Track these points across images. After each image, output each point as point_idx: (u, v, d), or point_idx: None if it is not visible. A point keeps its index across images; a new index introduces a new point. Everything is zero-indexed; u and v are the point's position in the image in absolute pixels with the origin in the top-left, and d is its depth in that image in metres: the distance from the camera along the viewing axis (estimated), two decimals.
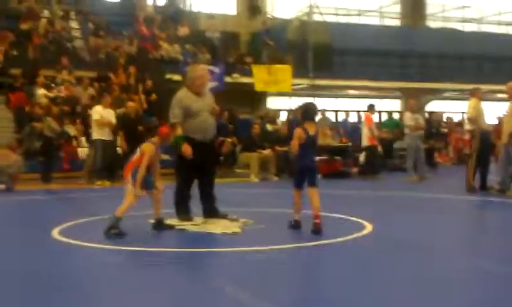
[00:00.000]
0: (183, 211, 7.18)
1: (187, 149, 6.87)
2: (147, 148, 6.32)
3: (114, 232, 6.05)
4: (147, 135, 13.27)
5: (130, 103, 14.01)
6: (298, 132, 6.52)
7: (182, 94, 7.13)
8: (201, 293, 4.15)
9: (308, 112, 6.67)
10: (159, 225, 6.60)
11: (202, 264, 5.15)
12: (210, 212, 7.24)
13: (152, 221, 6.76)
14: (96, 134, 13.00)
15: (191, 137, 6.97)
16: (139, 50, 19.65)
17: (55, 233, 6.41)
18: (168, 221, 6.84)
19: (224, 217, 7.22)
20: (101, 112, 12.91)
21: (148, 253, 5.55)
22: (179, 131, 6.92)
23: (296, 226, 6.51)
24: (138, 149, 6.39)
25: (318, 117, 18.40)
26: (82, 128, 14.77)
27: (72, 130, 14.63)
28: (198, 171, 7.14)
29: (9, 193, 11.24)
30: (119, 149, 13.55)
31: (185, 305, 3.91)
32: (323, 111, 20.64)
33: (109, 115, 13.04)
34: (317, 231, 6.22)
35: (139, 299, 4.02)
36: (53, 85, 16.40)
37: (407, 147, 13.74)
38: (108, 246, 5.71)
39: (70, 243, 5.91)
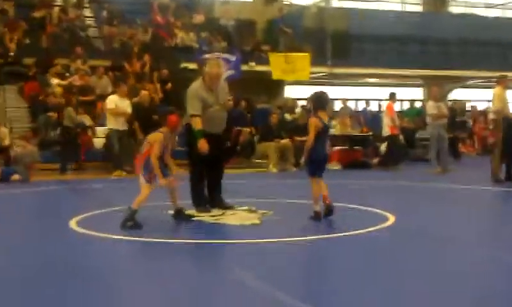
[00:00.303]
0: (200, 203, 7.25)
1: (203, 145, 6.93)
2: (154, 138, 6.34)
3: (130, 224, 6.10)
4: (159, 124, 13.39)
5: (144, 92, 14.07)
6: (314, 121, 6.57)
7: (198, 86, 7.19)
8: (218, 285, 4.18)
9: (320, 100, 6.73)
10: (179, 214, 6.64)
11: (219, 255, 5.18)
12: (216, 204, 7.32)
13: (171, 212, 6.81)
14: (111, 124, 13.09)
15: (207, 131, 7.02)
16: (154, 39, 19.68)
17: (72, 223, 6.48)
18: (187, 212, 6.88)
19: (229, 208, 7.27)
20: (116, 102, 12.99)
21: (165, 244, 5.60)
22: (199, 124, 6.97)
23: (316, 217, 6.53)
24: (146, 140, 6.41)
25: (330, 106, 18.33)
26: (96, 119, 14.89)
27: (87, 119, 14.73)
28: (208, 164, 7.21)
29: (25, 184, 11.37)
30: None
31: (202, 296, 3.95)
32: (344, 100, 20.61)
33: (125, 105, 13.11)
34: (330, 210, 6.43)
35: (155, 289, 4.06)
36: (67, 74, 16.52)
37: (430, 137, 13.62)
38: (125, 237, 5.77)
39: (87, 234, 5.97)
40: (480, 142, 19.93)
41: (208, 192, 7.40)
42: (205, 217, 6.86)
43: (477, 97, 26.46)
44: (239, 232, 6.14)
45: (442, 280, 4.18)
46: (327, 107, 6.76)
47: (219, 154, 7.39)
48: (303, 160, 6.70)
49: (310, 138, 6.58)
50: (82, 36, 18.82)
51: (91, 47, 18.64)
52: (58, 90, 15.23)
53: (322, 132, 6.57)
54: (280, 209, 7.34)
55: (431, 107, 13.50)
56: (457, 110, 19.63)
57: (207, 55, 19.25)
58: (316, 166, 6.63)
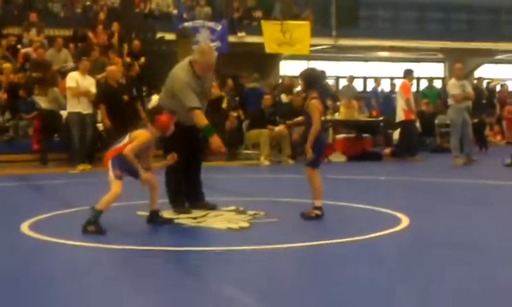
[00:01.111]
0: (178, 202, 7.30)
1: (217, 143, 7.09)
2: (138, 135, 6.33)
3: (92, 229, 6.06)
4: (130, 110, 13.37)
5: (111, 68, 13.99)
6: (316, 103, 6.69)
7: (186, 74, 7.19)
8: (199, 301, 4.18)
9: (317, 78, 6.98)
10: (154, 217, 6.64)
11: (201, 265, 5.17)
12: (196, 199, 7.43)
13: (143, 213, 6.80)
14: (71, 106, 13.00)
15: (180, 121, 6.98)
16: (124, 3, 19.62)
17: (24, 227, 6.45)
18: (164, 214, 6.88)
19: (212, 208, 7.32)
20: (77, 79, 12.91)
21: (137, 252, 5.58)
22: (204, 119, 7.06)
23: (318, 214, 6.65)
24: (128, 135, 6.39)
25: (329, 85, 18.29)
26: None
27: (43, 101, 14.65)
28: (187, 157, 7.31)
29: None
30: (100, 126, 13.59)
31: None
32: (350, 78, 20.62)
33: (88, 83, 13.04)
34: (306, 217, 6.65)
35: (125, 306, 4.06)
36: (19, 46, 16.41)
37: (451, 122, 13.66)
38: (89, 243, 5.75)
39: (41, 239, 5.94)
40: (510, 128, 20.03)
41: (186, 191, 7.44)
42: (185, 220, 6.86)
43: (508, 75, 26.56)
44: (225, 237, 6.14)
45: (472, 302, 4.19)
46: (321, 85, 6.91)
47: (199, 145, 7.50)
48: (308, 150, 6.68)
49: (316, 123, 6.67)
50: (36, 0, 18.70)
51: (48, 13, 18.54)
52: (7, 66, 15.12)
53: (322, 115, 6.78)
54: (274, 210, 7.35)
55: (454, 87, 13.52)
56: (484, 90, 19.70)
57: (186, 24, 19.40)
58: (320, 156, 6.80)
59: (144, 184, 6.48)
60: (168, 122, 6.46)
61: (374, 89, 21.40)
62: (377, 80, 21.71)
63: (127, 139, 6.34)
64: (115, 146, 6.40)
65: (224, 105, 14.95)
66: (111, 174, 6.24)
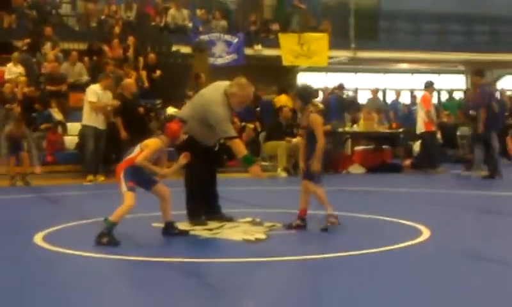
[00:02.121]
0: (196, 214, 7.32)
1: (257, 171, 7.27)
2: (150, 144, 6.36)
3: (106, 240, 6.07)
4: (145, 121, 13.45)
5: (128, 81, 14.08)
6: (318, 118, 6.81)
7: (224, 108, 7.14)
8: None
9: (311, 93, 7.10)
10: (170, 229, 6.63)
11: (217, 277, 5.15)
12: (212, 212, 7.43)
13: (158, 225, 6.79)
14: (87, 120, 13.08)
15: (200, 141, 7.17)
16: (139, 17, 19.75)
17: (38, 239, 6.47)
18: (179, 226, 6.87)
19: (229, 220, 7.31)
20: (98, 94, 12.98)
21: (151, 264, 5.57)
22: (242, 148, 7.18)
23: (334, 222, 6.71)
24: (138, 146, 6.41)
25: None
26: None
27: (57, 114, 14.77)
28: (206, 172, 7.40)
29: None
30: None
31: None
32: (375, 91, 20.55)
33: (107, 99, 13.12)
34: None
35: None
36: (34, 60, 16.57)
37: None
38: (103, 255, 5.75)
39: (55, 251, 5.96)
40: None
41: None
42: (201, 232, 6.84)
43: None
44: (241, 249, 6.12)
45: None
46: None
47: (216, 160, 7.59)
48: (316, 165, 6.72)
49: (321, 139, 6.75)
50: (52, 14, 18.89)
51: (64, 27, 18.72)
52: (21, 80, 15.27)
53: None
54: (291, 221, 7.31)
55: None
56: (507, 102, 19.50)
57: (201, 37, 19.46)
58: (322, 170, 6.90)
59: (161, 178, 6.46)
60: (177, 129, 6.46)
61: (394, 102, 21.33)
62: (397, 92, 21.63)
63: (137, 149, 6.35)
64: (126, 157, 6.41)
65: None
66: (124, 186, 6.24)
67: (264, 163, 15.01)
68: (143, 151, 6.30)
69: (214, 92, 7.28)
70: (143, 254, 5.83)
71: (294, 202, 9.58)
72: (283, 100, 16.21)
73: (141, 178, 6.33)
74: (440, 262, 5.59)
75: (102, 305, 4.38)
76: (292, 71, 22.64)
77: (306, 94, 7.05)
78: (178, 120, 6.59)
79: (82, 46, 17.85)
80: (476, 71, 13.97)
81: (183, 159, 6.59)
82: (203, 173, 7.35)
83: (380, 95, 23.98)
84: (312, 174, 6.79)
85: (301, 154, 7.09)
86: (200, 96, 7.43)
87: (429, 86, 14.60)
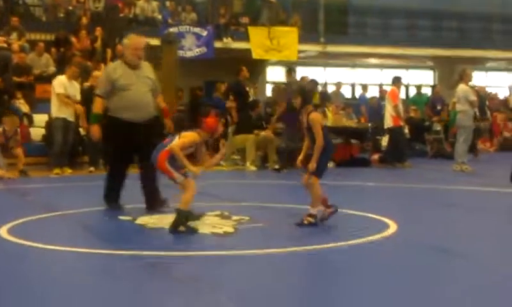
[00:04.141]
0: (113, 203, 7.70)
1: (95, 131, 7.58)
2: (190, 136, 6.45)
3: (182, 229, 6.23)
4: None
5: (96, 73, 13.98)
6: (318, 116, 6.75)
7: (112, 66, 7.86)
8: (177, 305, 4.16)
9: (309, 93, 7.05)
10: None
11: (184, 271, 5.15)
12: (152, 204, 7.72)
13: (127, 218, 6.78)
14: (56, 111, 12.94)
15: (116, 116, 7.56)
16: (107, 8, 19.59)
17: (3, 232, 6.41)
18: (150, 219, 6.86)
19: (162, 204, 7.63)
20: (65, 85, 12.84)
21: (116, 257, 5.55)
22: (97, 107, 7.61)
23: (313, 221, 6.69)
24: (177, 136, 6.50)
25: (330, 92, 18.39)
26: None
27: (23, 106, 14.61)
28: (128, 158, 7.77)
29: None
30: (82, 131, 13.58)
31: None
32: (338, 85, 20.69)
33: (74, 89, 12.99)
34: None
35: None
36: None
37: (464, 129, 13.35)
38: (68, 248, 5.71)
39: (21, 244, 5.91)
40: (499, 136, 20.16)
41: (144, 194, 7.79)
42: (167, 224, 6.83)
43: (498, 82, 26.75)
44: (209, 242, 6.13)
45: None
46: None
47: (145, 145, 7.37)
48: (312, 164, 6.67)
49: (320, 138, 6.65)
50: (19, 4, 18.66)
51: (30, 17, 18.50)
52: None
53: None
54: (259, 215, 7.34)
55: (470, 92, 13.40)
56: (483, 97, 19.69)
57: (171, 29, 19.40)
58: (326, 165, 6.88)
59: (195, 177, 6.47)
60: (215, 123, 6.58)
61: (362, 96, 21.48)
62: (365, 87, 21.77)
63: (176, 138, 6.45)
64: (162, 148, 6.42)
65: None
66: (178, 176, 6.35)
67: (233, 157, 15.05)
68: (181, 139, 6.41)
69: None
70: (109, 247, 5.81)
71: (262, 195, 9.65)
72: None
73: (177, 166, 6.40)
74: (406, 255, 5.66)
75: (67, 297, 4.35)
76: (262, 64, 22.65)
77: (308, 93, 7.00)
78: (214, 113, 6.71)
79: (49, 37, 17.67)
80: None
81: (220, 157, 6.70)
82: (116, 161, 7.76)
83: (349, 90, 24.17)
84: (310, 170, 6.68)
85: (303, 152, 6.96)
86: None
87: (396, 80, 14.72)
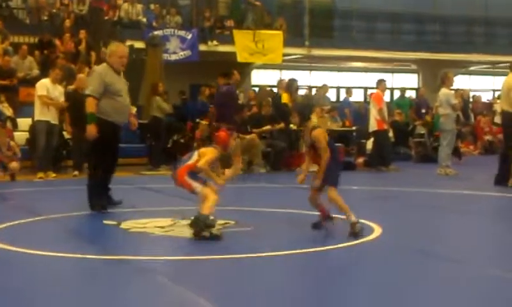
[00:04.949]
0: (96, 204, 7.83)
1: (93, 130, 7.71)
2: (210, 152, 6.54)
3: (206, 234, 6.22)
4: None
5: (80, 76, 13.92)
6: (322, 133, 6.59)
7: (103, 70, 8.01)
8: None
9: (307, 109, 6.90)
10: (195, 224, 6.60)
11: (168, 275, 5.14)
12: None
13: (112, 222, 6.75)
14: (39, 115, 12.86)
15: (106, 119, 7.85)
16: (92, 11, 19.51)
17: None
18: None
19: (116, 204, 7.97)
20: (48, 88, 12.77)
21: (100, 261, 5.54)
22: (92, 107, 7.76)
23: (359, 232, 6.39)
24: (196, 152, 6.61)
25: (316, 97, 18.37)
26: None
27: (6, 109, 14.51)
28: (109, 157, 8.06)
29: None
30: (66, 134, 13.52)
31: None
32: (324, 88, 20.69)
33: (58, 92, 12.92)
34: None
35: None
36: None
37: (447, 132, 13.38)
38: (52, 253, 5.68)
39: (4, 249, 5.86)
40: (482, 139, 20.27)
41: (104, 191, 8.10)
42: (153, 229, 6.82)
43: (481, 86, 26.92)
44: (193, 247, 6.11)
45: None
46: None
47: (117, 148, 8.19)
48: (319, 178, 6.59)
49: (325, 154, 6.52)
50: (2, 7, 18.55)
51: (14, 20, 18.39)
52: None
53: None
54: (244, 219, 7.34)
55: (452, 96, 13.53)
56: (466, 101, 19.83)
57: (155, 32, 19.36)
58: (339, 175, 6.70)
59: (221, 189, 6.56)
60: (226, 137, 6.65)
61: (346, 100, 21.52)
62: (349, 90, 21.82)
63: (195, 156, 6.55)
64: (185, 163, 6.53)
65: None
66: (197, 186, 6.42)
67: None
68: (201, 157, 6.48)
69: (97, 66, 8.46)
70: (94, 252, 5.79)
71: (248, 199, 9.63)
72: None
73: (197, 178, 6.49)
74: (390, 259, 5.68)
75: (52, 302, 4.34)
76: (247, 68, 22.65)
77: (307, 109, 6.94)
78: (226, 128, 6.73)
79: (33, 39, 17.58)
80: None
81: (236, 170, 6.72)
82: (102, 162, 7.98)
83: (333, 93, 24.20)
84: (327, 179, 6.57)
85: (305, 167, 6.88)
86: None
87: (380, 84, 14.73)
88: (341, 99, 23.31)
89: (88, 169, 8.35)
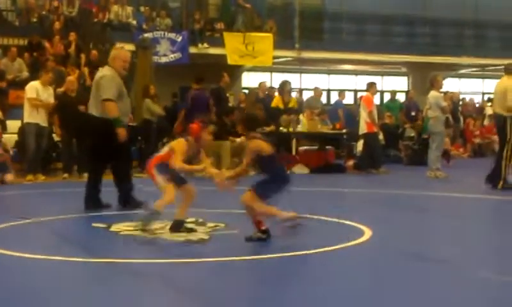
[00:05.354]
0: (92, 206, 8.03)
1: (123, 133, 8.00)
2: (179, 144, 6.57)
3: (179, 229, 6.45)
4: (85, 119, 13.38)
5: (70, 78, 13.89)
6: (254, 147, 6.44)
7: (111, 73, 8.22)
8: None
9: (253, 122, 6.59)
10: (176, 227, 6.67)
11: (157, 278, 5.13)
12: (127, 200, 8.27)
13: (100, 225, 6.74)
14: (28, 117, 12.83)
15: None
16: (81, 13, 19.47)
17: None
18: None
19: (139, 205, 7.92)
20: (38, 90, 12.74)
21: (90, 265, 5.53)
22: (116, 111, 8.01)
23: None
24: (167, 145, 6.70)
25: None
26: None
27: None
28: (111, 158, 8.24)
29: None
30: (55, 137, 13.48)
31: None
32: (316, 90, 20.69)
33: (47, 95, 12.89)
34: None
35: None
36: None
37: (436, 135, 13.41)
38: (41, 256, 5.67)
39: None
40: (471, 142, 20.36)
41: (118, 189, 8.32)
42: (143, 232, 6.80)
43: (471, 89, 27.02)
44: (183, 250, 6.11)
45: None
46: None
47: (126, 145, 8.44)
48: None
49: (246, 163, 6.70)
50: None
51: (3, 22, 18.33)
52: None
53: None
54: (234, 222, 7.33)
55: (442, 98, 13.59)
56: (456, 104, 19.90)
57: (145, 35, 19.34)
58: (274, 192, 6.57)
59: (222, 186, 6.73)
60: (197, 129, 6.62)
61: (337, 102, 21.54)
62: (342, 92, 21.86)
63: (166, 148, 6.64)
64: (154, 156, 6.65)
65: None
66: (160, 180, 6.46)
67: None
68: (171, 151, 6.52)
69: (103, 70, 8.49)
70: (83, 255, 5.78)
71: (237, 202, 9.62)
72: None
73: (174, 175, 6.52)
74: (380, 261, 5.69)
75: (39, 305, 4.32)
76: (237, 70, 22.65)
77: (251, 121, 6.60)
78: (200, 121, 6.69)
79: (22, 42, 17.52)
80: None
81: (244, 169, 6.76)
82: (102, 164, 8.25)
83: (324, 96, 24.20)
84: (259, 188, 6.50)
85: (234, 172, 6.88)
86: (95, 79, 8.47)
87: (371, 87, 14.78)
88: (331, 102, 23.37)
89: (89, 169, 8.50)
